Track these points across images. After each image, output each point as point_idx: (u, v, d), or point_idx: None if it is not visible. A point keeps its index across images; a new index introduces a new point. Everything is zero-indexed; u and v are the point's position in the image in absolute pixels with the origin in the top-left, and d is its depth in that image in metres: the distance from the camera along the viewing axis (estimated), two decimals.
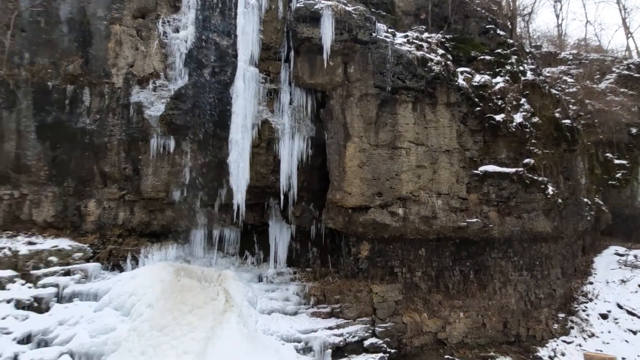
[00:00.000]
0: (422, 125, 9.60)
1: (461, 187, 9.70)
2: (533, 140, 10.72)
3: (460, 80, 10.31)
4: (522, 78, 11.56)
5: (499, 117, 10.33)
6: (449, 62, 10.39)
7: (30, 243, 8.22)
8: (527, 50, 14.41)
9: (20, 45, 8.62)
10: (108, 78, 9.05)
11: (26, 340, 6.51)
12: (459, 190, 9.66)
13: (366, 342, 8.32)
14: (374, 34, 9.57)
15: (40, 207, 8.84)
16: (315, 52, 9.34)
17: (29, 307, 7.12)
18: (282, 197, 9.40)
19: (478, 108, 10.21)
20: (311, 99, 9.96)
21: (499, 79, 11.22)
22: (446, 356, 9.01)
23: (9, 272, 7.58)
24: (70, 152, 8.91)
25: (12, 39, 8.23)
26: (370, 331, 8.54)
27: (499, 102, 10.66)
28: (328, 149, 9.52)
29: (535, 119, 11.03)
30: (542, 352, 9.78)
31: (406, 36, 10.52)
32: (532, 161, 10.53)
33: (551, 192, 10.52)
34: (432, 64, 9.83)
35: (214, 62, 9.37)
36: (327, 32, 9.08)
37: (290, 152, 9.45)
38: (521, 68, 11.85)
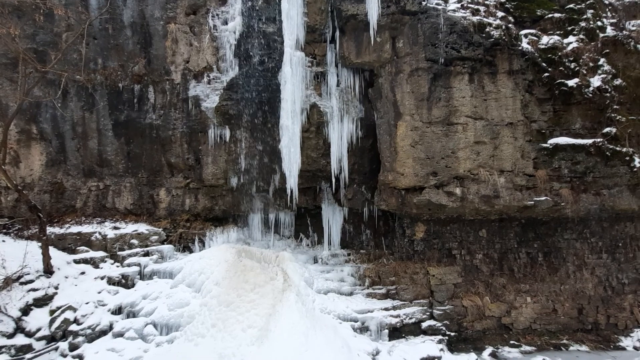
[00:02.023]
0: (481, 98, 8.90)
1: (527, 163, 8.90)
2: (615, 106, 9.36)
3: (525, 44, 9.29)
4: (601, 35, 10.04)
5: (571, 82, 9.17)
6: (510, 25, 9.39)
7: (115, 228, 9.36)
8: (606, 1, 12.44)
9: (93, 52, 9.60)
10: (168, 75, 9.72)
11: (118, 311, 7.53)
12: (524, 167, 8.87)
13: (424, 324, 8.22)
14: (423, 3, 8.97)
15: (121, 196, 9.97)
16: (361, 30, 9.05)
17: (118, 283, 8.18)
18: (333, 180, 9.47)
19: (546, 74, 9.16)
20: (359, 79, 9.75)
21: (571, 38, 9.88)
22: (511, 341, 8.57)
23: (101, 253, 8.75)
24: (141, 146, 9.84)
25: (87, 47, 9.19)
26: (427, 313, 8.41)
27: (572, 65, 9.43)
28: (378, 130, 9.30)
29: (618, 81, 9.58)
30: (626, 342, 8.82)
31: (460, 1, 9.69)
32: (614, 130, 9.24)
33: (638, 165, 9.19)
34: (491, 28, 8.97)
35: (261, 50, 9.57)
36: (372, 7, 8.72)
37: (340, 135, 9.42)
38: (599, 23, 10.29)
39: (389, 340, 7.74)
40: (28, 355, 6.56)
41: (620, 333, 9.09)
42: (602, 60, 9.73)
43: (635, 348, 8.68)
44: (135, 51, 9.70)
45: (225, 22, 9.78)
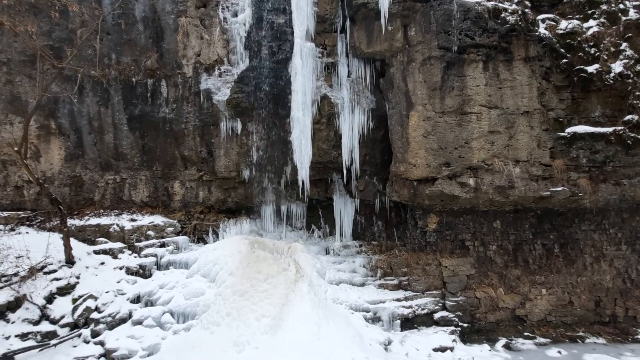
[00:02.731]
0: (495, 86, 8.69)
1: (544, 153, 8.69)
2: (637, 93, 9.00)
3: (542, 30, 8.98)
4: (623, 18, 9.61)
5: (591, 69, 8.85)
6: (527, 10, 9.09)
7: (132, 220, 9.61)
8: None
9: (107, 47, 9.75)
10: (180, 69, 9.81)
11: (136, 300, 7.77)
12: (540, 156, 8.67)
13: (436, 315, 8.22)
14: None
15: (137, 189, 10.21)
16: (372, 18, 8.91)
17: (136, 273, 8.43)
18: (344, 171, 9.47)
19: (564, 60, 8.86)
20: (370, 69, 9.64)
21: (591, 22, 9.50)
22: (525, 333, 8.49)
23: (119, 244, 9.01)
24: (155, 139, 10.01)
25: (100, 43, 9.35)
26: (440, 304, 8.40)
27: (592, 51, 9.09)
28: (390, 120, 9.21)
29: None
30: None
31: None
32: (636, 117, 8.90)
33: None
34: (507, 14, 8.70)
35: (271, 42, 9.54)
36: None
37: (351, 126, 9.38)
38: (621, 6, 9.84)
39: (401, 331, 7.78)
40: (53, 341, 6.86)
41: (639, 326, 8.89)
42: (624, 45, 9.34)
43: None
44: (148, 46, 9.81)
45: (235, 14, 9.77)
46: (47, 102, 9.51)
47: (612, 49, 9.22)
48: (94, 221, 9.48)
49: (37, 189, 9.48)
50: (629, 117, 8.93)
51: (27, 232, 8.91)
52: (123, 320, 7.39)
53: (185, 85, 9.82)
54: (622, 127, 8.83)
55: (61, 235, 8.37)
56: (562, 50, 8.90)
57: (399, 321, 7.83)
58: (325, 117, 9.49)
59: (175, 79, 9.85)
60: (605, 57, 9.07)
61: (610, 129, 8.80)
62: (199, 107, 9.74)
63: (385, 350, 6.90)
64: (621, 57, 9.20)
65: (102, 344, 6.94)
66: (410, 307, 8.09)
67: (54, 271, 7.96)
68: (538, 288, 8.96)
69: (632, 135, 8.80)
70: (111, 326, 7.27)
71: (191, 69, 9.80)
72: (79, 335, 7.17)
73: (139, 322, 7.27)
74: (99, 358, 6.75)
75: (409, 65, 8.83)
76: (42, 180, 8.92)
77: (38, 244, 8.26)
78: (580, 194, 8.64)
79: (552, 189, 8.55)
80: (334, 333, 6.63)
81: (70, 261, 8.23)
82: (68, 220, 8.71)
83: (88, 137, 10.02)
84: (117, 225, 9.34)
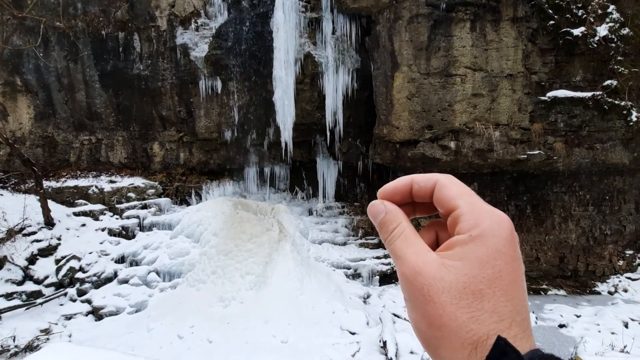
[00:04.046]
0: (482, 48, 8.56)
1: (524, 117, 8.82)
2: (619, 57, 9.07)
3: None
4: None
5: (577, 31, 8.78)
6: None
7: (111, 182, 9.43)
8: None
9: None
10: (153, 21, 9.17)
11: (120, 260, 7.86)
12: (520, 120, 8.81)
13: None
14: None
15: (114, 150, 9.91)
16: None
17: (118, 234, 8.43)
18: (328, 133, 9.40)
19: (552, 22, 8.73)
20: (355, 26, 9.26)
21: None
22: None
23: (99, 206, 8.90)
24: (130, 98, 9.57)
25: None
26: None
27: (580, 13, 8.97)
28: (374, 81, 9.04)
29: (625, 31, 9.18)
30: (601, 287, 9.44)
31: None
32: (615, 83, 9.05)
33: (634, 119, 9.14)
34: None
35: None
36: None
37: (335, 87, 9.17)
38: None
39: (380, 286, 8.23)
40: (39, 300, 6.95)
41: (597, 279, 9.70)
42: (611, 8, 9.24)
43: (610, 293, 9.32)
44: None
45: None
46: (10, 56, 8.82)
47: (600, 12, 9.12)
48: (71, 183, 9.26)
49: (8, 150, 9.07)
50: (608, 82, 9.07)
51: (1, 195, 8.66)
52: (109, 280, 7.50)
53: (159, 40, 9.24)
54: (601, 92, 8.99)
55: (38, 197, 8.18)
56: (550, 11, 8.74)
57: (377, 277, 8.26)
58: (309, 77, 9.23)
59: (148, 32, 9.23)
60: (592, 20, 8.98)
61: (589, 94, 8.95)
62: (176, 63, 9.26)
63: (364, 303, 7.34)
64: (607, 20, 9.13)
65: (89, 301, 7.09)
66: (388, 263, 8.50)
67: (34, 233, 7.87)
68: None
69: (609, 100, 9.00)
70: (97, 285, 7.39)
71: (165, 21, 9.17)
72: (65, 294, 7.28)
73: (125, 281, 7.41)
74: (86, 315, 6.92)
75: (396, 23, 8.52)
76: (12, 141, 8.52)
77: (14, 206, 8.07)
78: (555, 158, 8.94)
79: (528, 153, 8.80)
80: (316, 288, 6.96)
81: (49, 223, 8.13)
82: (44, 182, 8.47)
83: (58, 94, 9.47)
84: (96, 187, 9.17)
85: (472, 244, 0.38)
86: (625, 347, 5.74)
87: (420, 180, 0.45)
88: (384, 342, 5.53)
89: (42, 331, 6.25)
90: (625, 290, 9.37)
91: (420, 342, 0.40)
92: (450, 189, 0.43)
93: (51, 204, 8.34)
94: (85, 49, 9.21)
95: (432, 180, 0.45)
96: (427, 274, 0.38)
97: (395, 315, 6.66)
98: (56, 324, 6.56)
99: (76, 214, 8.63)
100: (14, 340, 5.86)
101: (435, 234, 0.46)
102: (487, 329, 0.36)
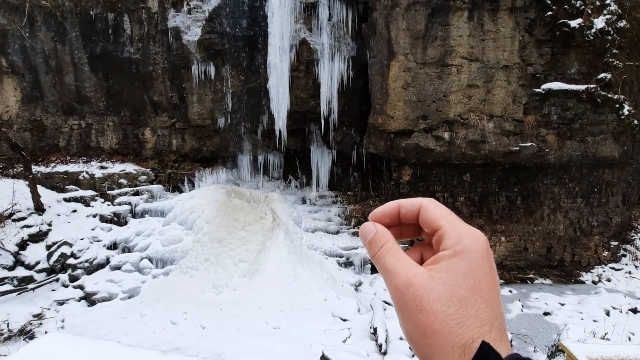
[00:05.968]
0: (479, 38, 8.49)
1: (517, 108, 8.85)
2: (614, 50, 9.08)
3: None
4: None
5: (574, 23, 8.74)
6: None
7: (102, 167, 9.31)
8: None
9: None
10: (144, 2, 8.89)
11: (113, 247, 7.84)
12: (514, 112, 8.84)
13: None
14: None
15: (104, 135, 9.74)
16: None
17: (110, 220, 8.38)
18: (322, 122, 9.34)
19: (550, 13, 8.67)
20: (352, 12, 9.09)
21: None
22: None
23: (91, 192, 8.81)
24: (121, 82, 9.35)
25: None
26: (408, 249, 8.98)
27: (577, 4, 8.91)
28: (370, 70, 8.95)
29: (622, 23, 9.16)
30: (586, 276, 9.72)
31: None
32: (609, 76, 9.08)
33: (626, 113, 9.22)
34: None
35: None
36: None
37: (330, 75, 9.06)
38: None
39: (371, 274, 8.36)
40: (31, 285, 6.93)
41: (582, 269, 9.97)
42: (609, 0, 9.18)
43: (593, 282, 9.60)
44: None
45: None
46: None
47: (597, 3, 9.06)
48: (61, 168, 9.11)
49: None
50: (602, 75, 9.10)
51: None
52: (101, 266, 7.50)
53: (151, 22, 8.98)
54: (595, 85, 9.02)
55: (27, 183, 8.05)
56: (549, 1, 8.66)
57: (369, 265, 8.38)
58: (304, 64, 9.09)
59: (139, 13, 8.96)
60: (590, 12, 8.94)
61: (583, 87, 8.98)
62: (168, 47, 9.03)
63: (356, 291, 7.46)
64: (605, 12, 9.08)
65: (81, 287, 7.09)
66: None
67: (24, 218, 7.78)
68: (498, 236, 9.70)
69: (603, 93, 9.05)
70: (89, 271, 7.38)
71: (156, 2, 8.89)
72: (57, 280, 7.27)
73: (117, 267, 7.41)
74: (79, 300, 6.94)
75: (393, 11, 8.38)
76: None
77: (2, 191, 7.95)
78: (546, 150, 9.03)
79: (521, 144, 8.87)
80: (308, 276, 7.05)
81: (40, 208, 8.03)
82: (33, 167, 8.33)
83: (45, 77, 9.21)
84: (87, 172, 9.05)
85: (455, 258, 0.43)
86: (606, 334, 5.96)
87: (407, 204, 0.51)
88: (375, 329, 5.66)
89: (35, 316, 6.27)
90: (609, 280, 9.67)
91: (414, 351, 0.44)
92: (434, 211, 0.49)
93: (41, 189, 8.23)
94: (73, 30, 8.92)
95: (416, 204, 0.51)
96: (419, 285, 0.42)
97: (385, 302, 6.79)
98: (49, 309, 6.57)
99: (67, 200, 8.54)
100: (7, 325, 5.88)
101: (420, 254, 0.51)
102: (472, 333, 0.40)
